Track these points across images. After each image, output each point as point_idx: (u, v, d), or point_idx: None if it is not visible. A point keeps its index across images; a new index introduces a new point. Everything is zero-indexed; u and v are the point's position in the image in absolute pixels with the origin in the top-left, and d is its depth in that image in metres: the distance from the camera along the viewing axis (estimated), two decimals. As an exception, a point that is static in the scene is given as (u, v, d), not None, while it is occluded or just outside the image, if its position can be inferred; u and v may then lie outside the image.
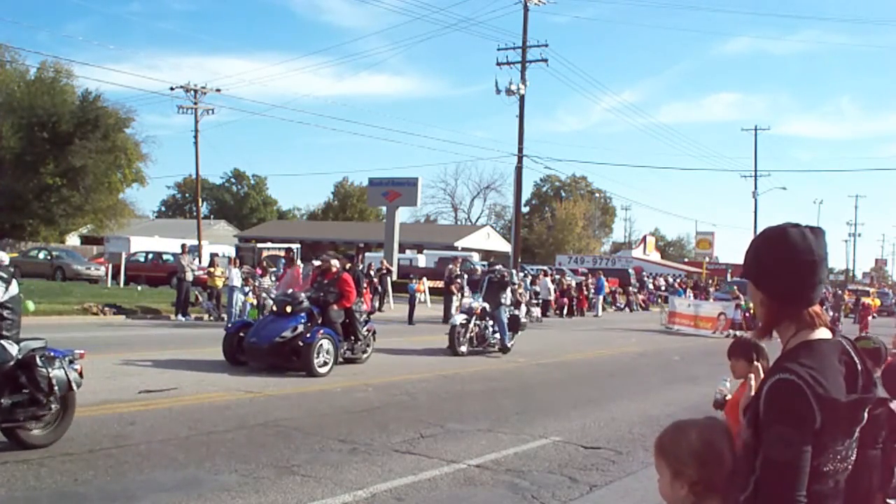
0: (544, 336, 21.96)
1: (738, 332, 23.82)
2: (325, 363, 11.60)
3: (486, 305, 15.86)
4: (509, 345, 16.00)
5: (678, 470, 2.01)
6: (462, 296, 18.53)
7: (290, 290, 12.69)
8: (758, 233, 2.09)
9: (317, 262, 14.34)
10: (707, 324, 25.12)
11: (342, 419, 8.53)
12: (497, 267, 17.62)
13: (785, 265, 1.96)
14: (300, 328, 11.84)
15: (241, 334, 12.11)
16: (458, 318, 15.67)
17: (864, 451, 2.00)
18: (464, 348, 15.29)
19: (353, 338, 12.97)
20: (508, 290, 16.98)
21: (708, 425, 2.05)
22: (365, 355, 13.39)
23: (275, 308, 12.56)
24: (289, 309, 12.07)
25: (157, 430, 7.57)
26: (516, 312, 17.31)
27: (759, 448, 1.87)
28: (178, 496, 5.59)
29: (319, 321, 12.23)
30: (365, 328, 13.40)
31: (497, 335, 16.02)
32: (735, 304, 25.69)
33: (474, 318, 15.66)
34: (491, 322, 16.01)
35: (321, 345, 11.59)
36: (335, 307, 12.58)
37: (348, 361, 12.86)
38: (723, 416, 4.54)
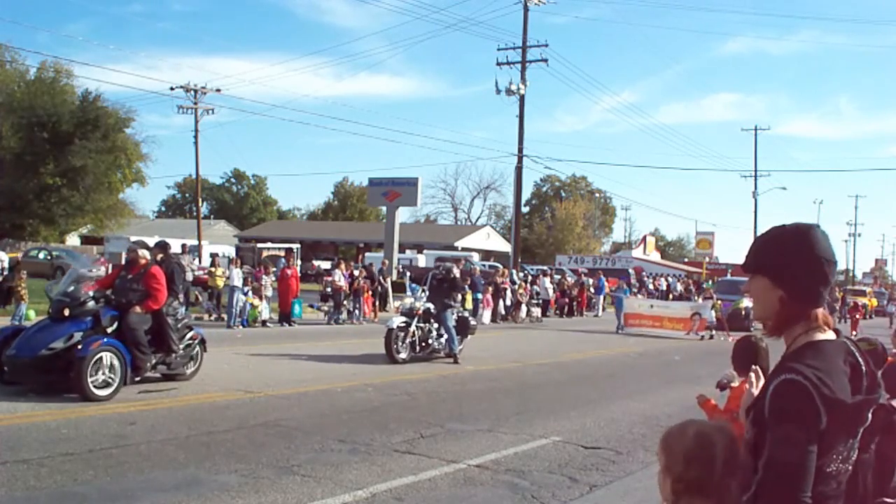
0: (544, 336, 21.95)
1: (713, 333, 23.02)
2: (107, 383, 8.85)
3: (431, 307, 14.29)
4: (457, 350, 14.30)
5: (667, 464, 2.02)
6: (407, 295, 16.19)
7: (71, 288, 9.53)
8: (779, 228, 2.07)
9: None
10: (678, 325, 23.47)
11: (342, 419, 8.52)
12: (447, 263, 15.87)
13: (812, 264, 1.97)
14: (77, 336, 9.03)
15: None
16: (396, 321, 13.90)
17: (860, 452, 2.01)
18: (403, 355, 13.66)
19: (167, 348, 9.99)
20: (458, 290, 15.32)
21: (710, 428, 2.04)
22: (189, 370, 10.51)
23: (51, 310, 9.61)
24: (67, 312, 9.20)
25: (157, 430, 7.57)
26: (465, 314, 15.59)
27: (762, 448, 1.86)
28: (178, 496, 5.59)
29: (112, 328, 9.44)
30: (189, 336, 10.50)
31: (444, 339, 14.44)
32: (710, 304, 24.19)
33: (416, 320, 13.99)
34: (437, 325, 14.37)
35: (100, 359, 8.82)
36: (137, 310, 9.64)
37: (167, 378, 10.23)
38: (719, 395, 4.51)
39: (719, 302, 25.55)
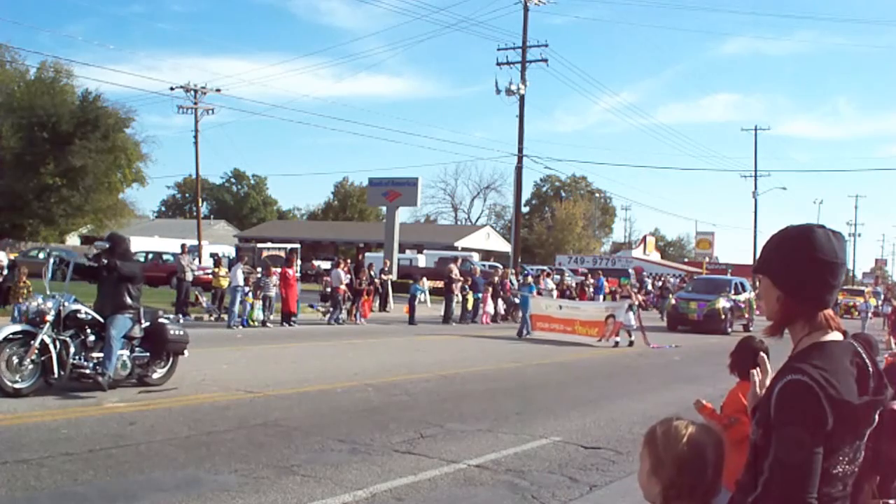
0: (543, 337, 21.92)
1: (632, 339, 19.59)
2: None
3: (82, 309, 9.46)
4: (111, 373, 9.24)
5: (657, 467, 2.01)
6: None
7: None
8: (782, 229, 2.07)
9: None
10: (591, 329, 19.76)
11: (342, 419, 8.52)
12: (103, 243, 10.06)
13: (808, 265, 1.96)
14: None
15: None
16: (4, 331, 8.94)
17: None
18: (23, 383, 8.76)
19: None
20: (137, 283, 9.84)
21: (702, 433, 2.03)
22: None
23: None
24: None
25: (157, 430, 7.57)
26: (166, 321, 10.26)
27: (768, 449, 1.86)
28: (178, 496, 5.58)
29: None
30: None
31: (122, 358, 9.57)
32: (628, 305, 20.21)
33: (46, 329, 8.94)
34: (93, 338, 9.44)
35: None
36: None
37: None
38: (717, 398, 4.48)
39: (637, 302, 21.86)
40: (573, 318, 20.60)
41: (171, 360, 10.22)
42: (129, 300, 9.60)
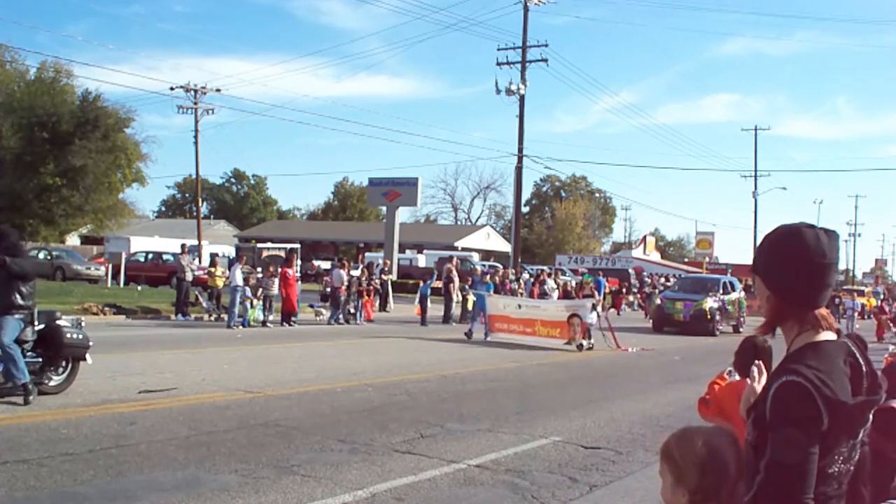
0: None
1: (592, 343, 18.16)
2: None
3: None
4: (26, 379, 8.32)
5: (680, 476, 2.01)
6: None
7: None
8: (773, 229, 2.07)
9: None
10: (554, 330, 18.39)
11: (342, 419, 8.52)
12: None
13: (795, 265, 1.96)
14: None
15: None
16: None
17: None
18: None
19: None
20: (27, 280, 8.61)
21: (715, 434, 2.05)
22: None
23: None
24: None
25: (157, 430, 7.57)
26: (64, 324, 9.20)
27: (764, 449, 1.86)
28: (178, 496, 5.58)
29: None
30: None
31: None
32: (591, 305, 18.65)
33: None
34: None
35: None
36: None
37: None
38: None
39: (601, 300, 20.70)
40: (534, 319, 19.04)
41: (70, 366, 9.27)
42: (19, 300, 8.51)
